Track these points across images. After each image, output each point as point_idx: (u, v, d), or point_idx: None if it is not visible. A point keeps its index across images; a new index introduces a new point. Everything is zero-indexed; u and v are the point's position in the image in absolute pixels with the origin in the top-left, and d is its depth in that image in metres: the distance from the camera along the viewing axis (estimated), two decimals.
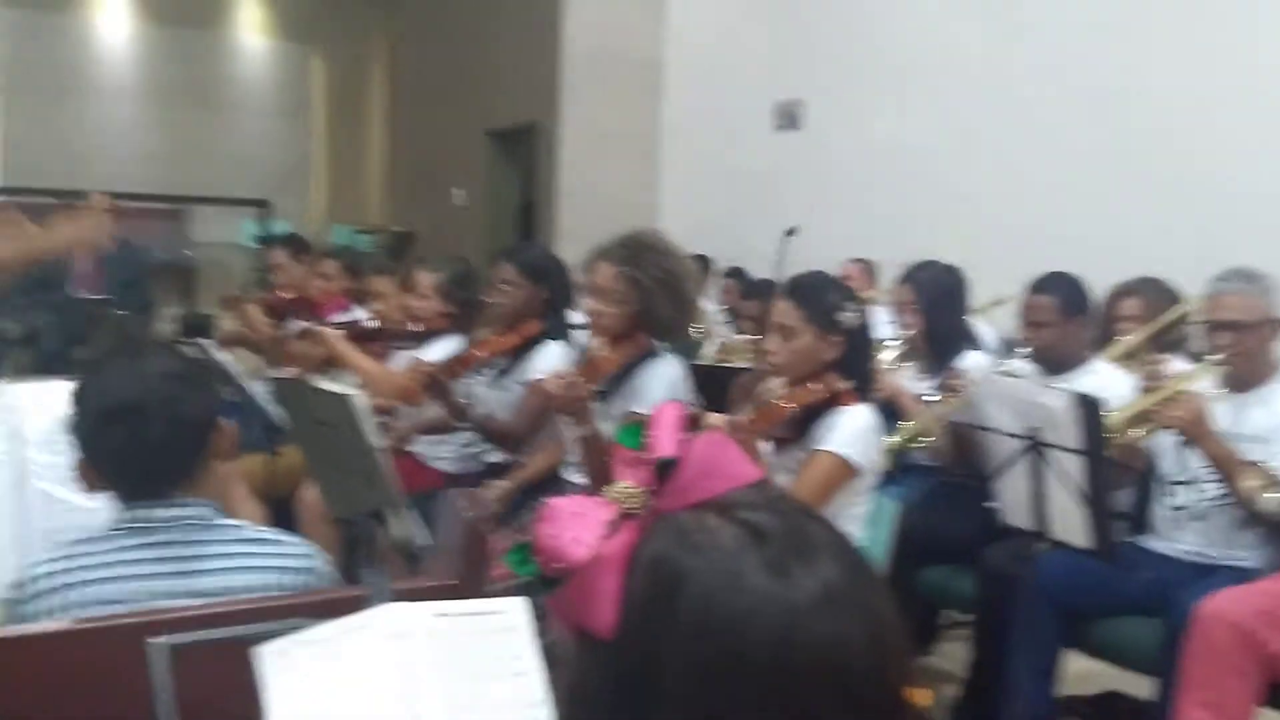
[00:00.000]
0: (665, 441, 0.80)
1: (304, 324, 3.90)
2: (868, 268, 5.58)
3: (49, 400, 2.06)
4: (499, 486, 3.19)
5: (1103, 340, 3.57)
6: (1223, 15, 4.92)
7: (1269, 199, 4.61)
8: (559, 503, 0.78)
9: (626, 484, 0.79)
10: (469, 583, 1.50)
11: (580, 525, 0.76)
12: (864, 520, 2.59)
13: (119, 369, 1.62)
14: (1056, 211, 5.25)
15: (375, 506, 2.43)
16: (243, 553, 1.63)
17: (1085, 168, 5.28)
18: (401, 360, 3.86)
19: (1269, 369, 2.81)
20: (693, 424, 0.85)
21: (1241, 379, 2.79)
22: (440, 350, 3.62)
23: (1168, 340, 3.35)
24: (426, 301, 3.72)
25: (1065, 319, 3.17)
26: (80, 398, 1.62)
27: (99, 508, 1.67)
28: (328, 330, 3.75)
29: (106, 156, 9.28)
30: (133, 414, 1.58)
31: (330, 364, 3.71)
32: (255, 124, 10.34)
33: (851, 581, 0.73)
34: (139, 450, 1.59)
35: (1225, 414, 2.75)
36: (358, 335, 3.89)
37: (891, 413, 3.30)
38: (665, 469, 0.79)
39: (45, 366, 6.33)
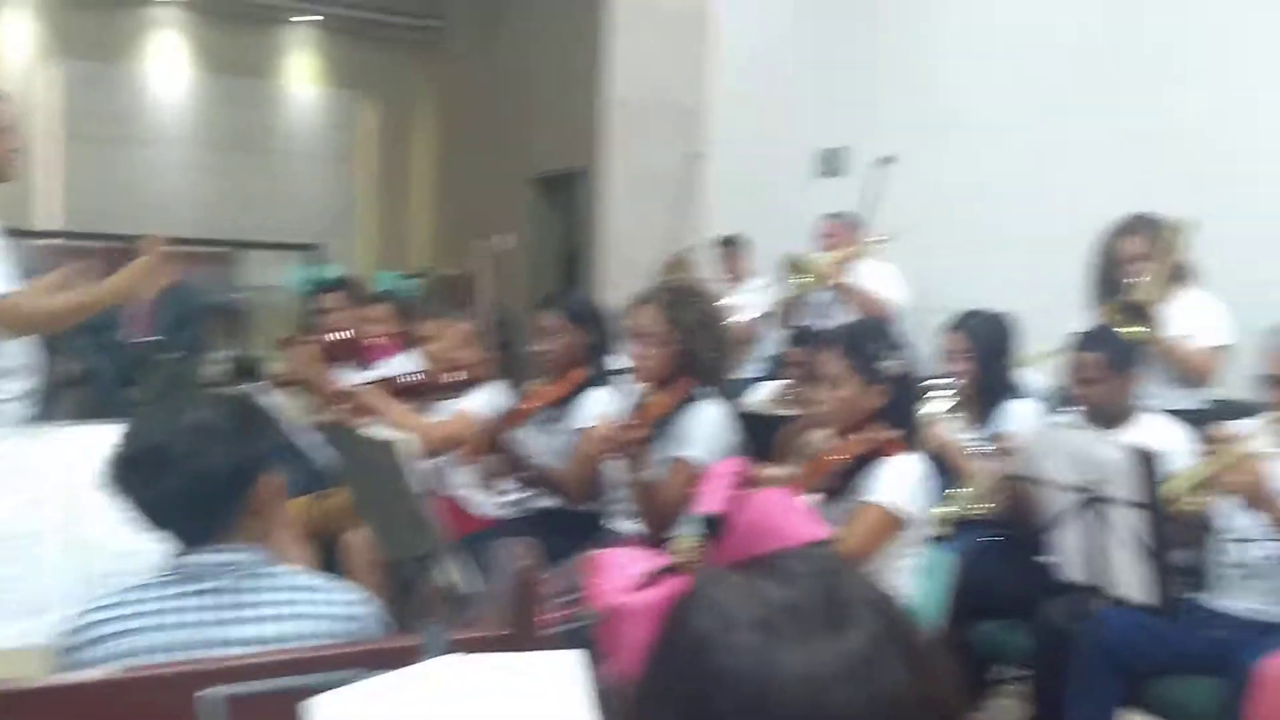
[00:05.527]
0: (711, 498, 0.80)
1: (342, 383, 3.89)
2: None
3: (101, 442, 2.07)
4: None
5: (1110, 288, 3.71)
6: None
7: None
8: (608, 554, 0.79)
9: (689, 537, 0.79)
10: (520, 632, 1.48)
11: (617, 576, 0.77)
12: (917, 573, 2.55)
13: (150, 416, 1.61)
14: None
15: (422, 551, 2.43)
16: (293, 599, 1.60)
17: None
18: (445, 409, 3.86)
19: None
20: (751, 481, 0.84)
21: None
22: (483, 398, 3.62)
23: (1231, 406, 3.28)
24: (466, 350, 3.73)
25: (1115, 374, 3.11)
26: (117, 442, 1.61)
27: (153, 551, 1.66)
28: (366, 391, 3.74)
29: (162, 201, 9.46)
30: (152, 463, 1.56)
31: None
32: (305, 169, 10.49)
33: (885, 645, 0.71)
34: (157, 500, 1.57)
35: None
36: (399, 390, 3.89)
37: (942, 467, 3.25)
38: (711, 526, 0.79)
39: (98, 408, 6.40)
